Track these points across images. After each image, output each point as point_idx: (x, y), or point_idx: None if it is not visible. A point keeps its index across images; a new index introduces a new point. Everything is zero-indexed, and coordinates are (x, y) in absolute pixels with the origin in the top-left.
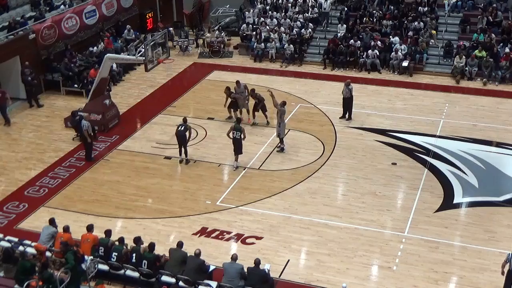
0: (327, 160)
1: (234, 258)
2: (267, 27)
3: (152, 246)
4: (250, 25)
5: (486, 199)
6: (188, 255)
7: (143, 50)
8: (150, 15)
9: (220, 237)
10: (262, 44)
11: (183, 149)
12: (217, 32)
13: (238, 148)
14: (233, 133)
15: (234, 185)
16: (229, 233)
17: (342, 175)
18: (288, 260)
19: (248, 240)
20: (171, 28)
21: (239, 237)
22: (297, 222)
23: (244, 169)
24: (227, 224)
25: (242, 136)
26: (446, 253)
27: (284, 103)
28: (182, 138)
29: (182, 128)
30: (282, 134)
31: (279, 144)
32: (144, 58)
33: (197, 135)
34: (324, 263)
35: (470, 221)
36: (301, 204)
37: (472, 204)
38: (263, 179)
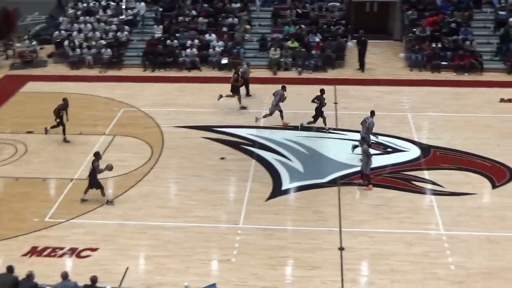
0: (156, 162)
1: (63, 276)
2: (82, 33)
3: None
4: (63, 31)
5: (312, 182)
6: (20, 278)
7: None
8: None
9: (52, 254)
10: (78, 50)
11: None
12: (27, 41)
13: (92, 182)
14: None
15: (62, 198)
16: (62, 248)
17: (172, 176)
18: (127, 268)
19: (83, 253)
20: None
21: (73, 251)
22: (133, 228)
23: (71, 181)
24: (59, 240)
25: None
26: (280, 239)
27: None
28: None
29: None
30: None
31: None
32: None
33: (16, 152)
34: (163, 265)
35: (299, 205)
36: (135, 209)
37: (299, 189)
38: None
